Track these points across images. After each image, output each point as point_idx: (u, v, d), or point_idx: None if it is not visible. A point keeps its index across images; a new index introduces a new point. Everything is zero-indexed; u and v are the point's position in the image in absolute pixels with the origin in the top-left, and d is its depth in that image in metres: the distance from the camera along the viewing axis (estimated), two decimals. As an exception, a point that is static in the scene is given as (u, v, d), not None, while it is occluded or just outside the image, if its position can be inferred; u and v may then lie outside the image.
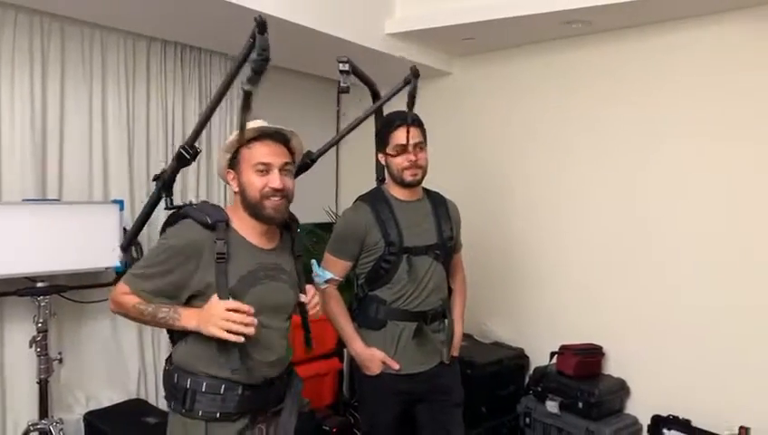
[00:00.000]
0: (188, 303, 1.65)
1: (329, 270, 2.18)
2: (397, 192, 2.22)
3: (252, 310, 1.54)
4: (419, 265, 2.15)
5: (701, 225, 2.85)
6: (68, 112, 2.97)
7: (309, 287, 1.82)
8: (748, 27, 2.71)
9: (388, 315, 2.16)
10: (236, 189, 1.69)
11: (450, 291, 2.35)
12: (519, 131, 3.52)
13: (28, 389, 2.81)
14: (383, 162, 2.26)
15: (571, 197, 3.31)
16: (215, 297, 1.57)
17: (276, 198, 1.64)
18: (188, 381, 1.65)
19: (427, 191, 2.31)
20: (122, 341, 3.21)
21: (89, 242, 2.77)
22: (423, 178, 2.20)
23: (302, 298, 1.77)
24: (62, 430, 2.70)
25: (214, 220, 1.63)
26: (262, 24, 1.46)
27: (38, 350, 2.67)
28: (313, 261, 2.18)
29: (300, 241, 1.85)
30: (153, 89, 3.28)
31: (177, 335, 1.72)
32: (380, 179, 2.46)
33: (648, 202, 3.02)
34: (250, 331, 1.52)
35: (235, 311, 1.53)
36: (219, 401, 1.63)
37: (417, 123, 2.16)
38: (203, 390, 1.63)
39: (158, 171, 1.94)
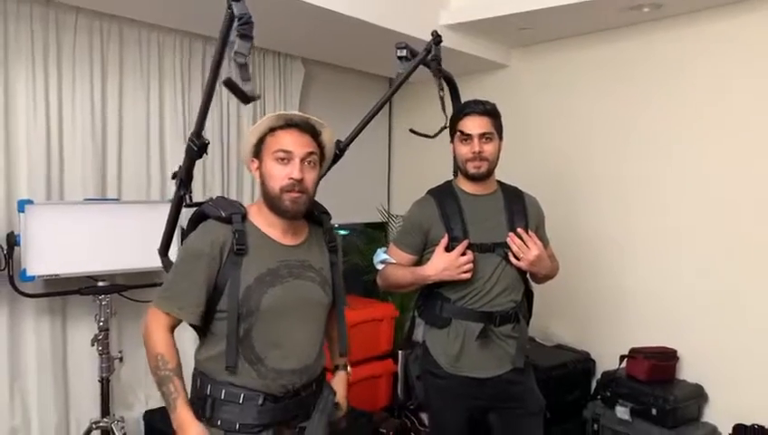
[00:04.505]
0: (210, 306, 1.55)
1: (390, 257, 2.14)
2: (466, 186, 2.11)
3: None
4: (484, 263, 2.03)
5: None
6: (126, 113, 3.01)
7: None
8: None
9: (452, 314, 2.05)
10: (259, 180, 1.61)
11: (531, 293, 2.20)
12: (581, 126, 3.37)
13: (90, 387, 2.85)
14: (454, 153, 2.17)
15: (640, 191, 3.14)
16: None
17: (295, 192, 1.54)
18: (209, 387, 1.56)
19: (502, 185, 2.18)
20: (179, 341, 3.20)
21: (148, 241, 2.77)
22: (490, 170, 2.07)
23: None
24: (123, 428, 2.72)
25: (228, 213, 1.57)
26: None
27: (100, 349, 2.70)
28: (379, 249, 2.18)
29: (332, 234, 1.75)
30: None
31: (200, 336, 1.64)
32: (456, 172, 2.37)
33: (726, 197, 2.83)
34: None
35: None
36: (238, 411, 1.53)
37: (488, 113, 2.05)
38: (222, 398, 1.54)
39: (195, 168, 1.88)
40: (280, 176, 1.54)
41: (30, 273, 2.49)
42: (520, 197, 2.16)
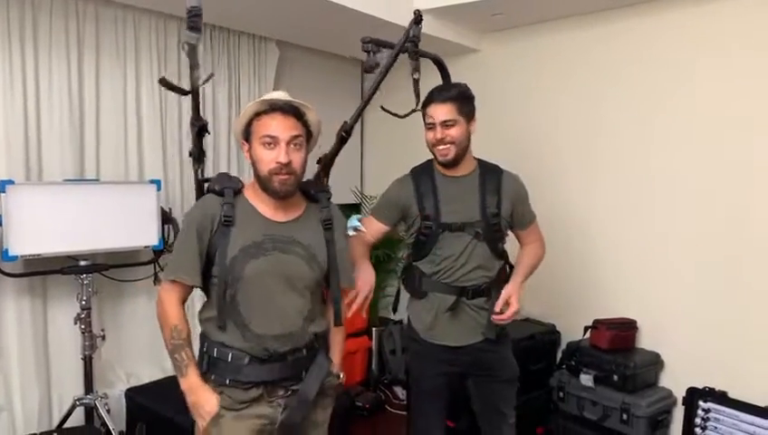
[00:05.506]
0: (206, 272, 1.67)
1: (363, 225, 2.23)
2: (441, 168, 2.18)
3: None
4: (455, 242, 2.12)
5: (740, 198, 2.81)
6: (103, 94, 3.01)
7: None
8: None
9: (428, 287, 2.17)
10: (249, 161, 1.69)
11: (512, 268, 2.27)
12: (548, 108, 3.50)
13: (72, 365, 2.89)
14: None
15: (602, 170, 3.29)
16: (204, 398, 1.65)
17: (283, 174, 1.63)
18: (206, 345, 1.71)
19: (482, 165, 2.23)
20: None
21: (128, 221, 2.82)
22: (458, 155, 2.11)
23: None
24: (107, 404, 2.77)
25: (222, 187, 1.68)
26: None
27: (82, 327, 2.74)
28: (353, 215, 2.27)
29: (328, 212, 1.80)
30: (184, 69, 3.30)
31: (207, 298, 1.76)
32: None
33: (681, 175, 2.99)
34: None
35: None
36: (227, 369, 1.66)
37: (452, 99, 2.08)
38: (215, 355, 1.67)
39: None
40: (267, 160, 1.62)
41: (12, 253, 2.50)
42: (497, 175, 2.20)
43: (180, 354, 1.65)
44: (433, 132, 2.11)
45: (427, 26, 3.33)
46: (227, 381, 1.66)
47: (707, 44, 2.89)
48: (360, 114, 2.24)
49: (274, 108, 1.64)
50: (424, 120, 2.17)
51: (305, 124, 1.69)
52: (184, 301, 1.71)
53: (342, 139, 2.21)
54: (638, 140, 3.14)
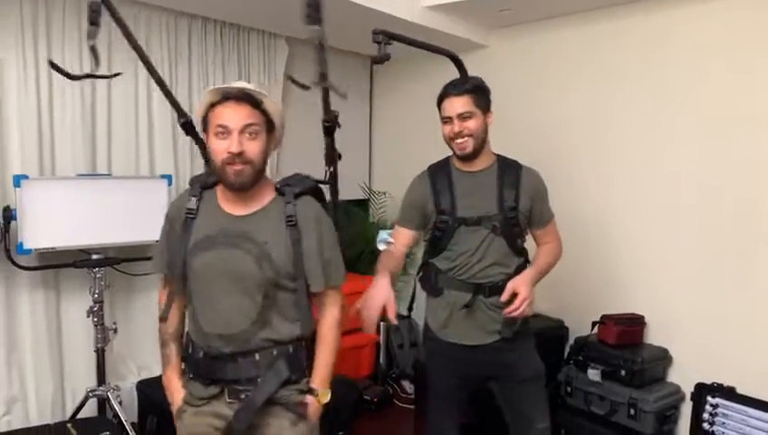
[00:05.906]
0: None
1: (393, 238, 2.20)
2: (458, 163, 2.16)
3: None
4: (471, 237, 2.09)
5: (749, 193, 2.80)
6: (115, 90, 3.05)
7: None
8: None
9: (444, 284, 2.15)
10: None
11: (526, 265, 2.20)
12: (556, 103, 3.50)
13: (85, 357, 2.94)
14: None
15: (610, 166, 3.29)
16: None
17: (237, 164, 1.55)
18: (185, 337, 1.74)
19: (501, 159, 2.19)
20: (171, 312, 3.31)
21: (139, 216, 2.85)
22: (476, 147, 2.07)
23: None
24: (118, 396, 2.81)
25: (191, 181, 1.73)
26: None
27: (95, 320, 2.78)
28: (382, 230, 2.26)
29: (294, 208, 1.65)
30: (195, 66, 3.34)
31: None
32: None
33: (689, 170, 2.98)
34: None
35: None
36: (190, 361, 1.67)
37: (467, 92, 2.07)
38: (186, 346, 1.70)
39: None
40: (220, 150, 1.56)
41: (27, 246, 2.55)
42: (516, 170, 2.16)
43: (164, 350, 1.72)
44: (450, 126, 2.08)
45: (436, 22, 3.36)
46: (191, 375, 1.67)
47: (716, 40, 2.88)
48: (327, 101, 2.18)
49: (228, 97, 1.56)
50: (440, 114, 2.14)
51: (264, 113, 1.60)
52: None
53: (327, 129, 2.19)
54: (647, 136, 3.14)
